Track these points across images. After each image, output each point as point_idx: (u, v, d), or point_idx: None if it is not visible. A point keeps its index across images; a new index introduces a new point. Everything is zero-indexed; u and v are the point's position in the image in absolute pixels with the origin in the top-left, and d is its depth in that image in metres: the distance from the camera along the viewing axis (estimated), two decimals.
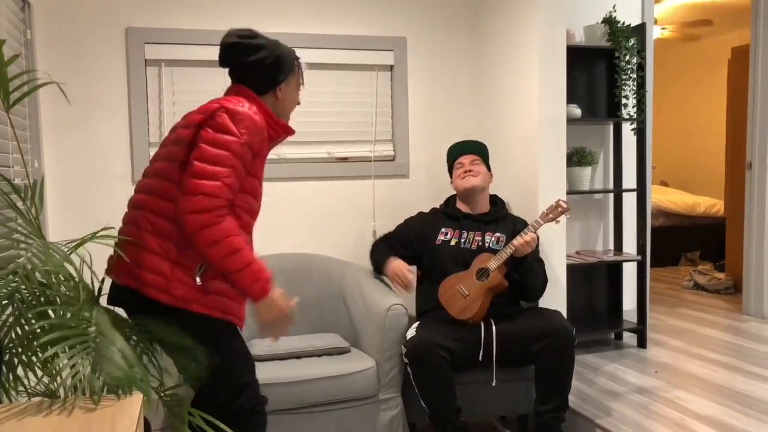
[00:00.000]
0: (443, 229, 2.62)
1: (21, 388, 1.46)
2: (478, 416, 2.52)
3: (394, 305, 2.41)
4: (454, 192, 2.73)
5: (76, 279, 1.55)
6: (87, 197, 2.78)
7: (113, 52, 2.79)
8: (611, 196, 3.56)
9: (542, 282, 2.52)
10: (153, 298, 1.67)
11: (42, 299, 1.51)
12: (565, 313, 2.78)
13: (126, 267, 1.69)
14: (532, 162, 2.80)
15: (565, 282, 2.83)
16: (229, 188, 1.64)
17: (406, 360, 2.30)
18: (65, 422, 1.28)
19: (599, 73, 3.43)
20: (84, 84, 2.76)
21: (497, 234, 2.58)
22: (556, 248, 2.80)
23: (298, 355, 2.47)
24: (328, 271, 2.85)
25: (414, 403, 2.36)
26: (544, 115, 2.75)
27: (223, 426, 1.66)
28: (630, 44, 3.26)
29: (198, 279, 1.69)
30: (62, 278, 1.53)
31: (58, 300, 1.52)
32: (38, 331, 1.48)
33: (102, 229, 1.75)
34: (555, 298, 2.78)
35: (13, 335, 1.49)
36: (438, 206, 2.77)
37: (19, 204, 1.73)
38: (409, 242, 2.65)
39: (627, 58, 3.27)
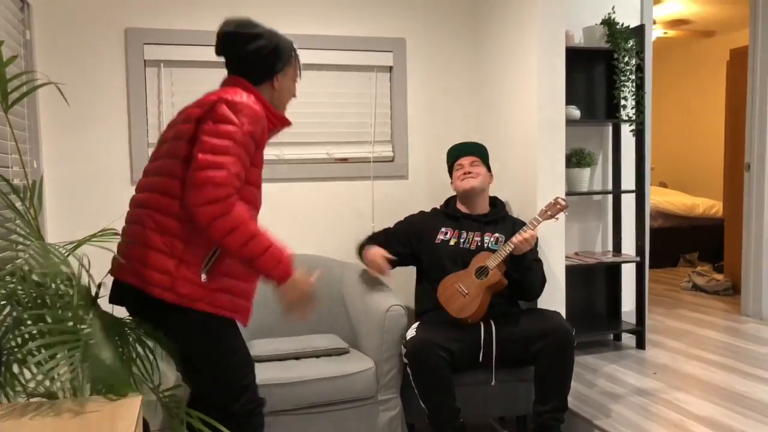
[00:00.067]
0: (443, 229, 2.62)
1: (20, 389, 1.46)
2: (477, 417, 2.52)
3: (393, 306, 2.41)
4: (455, 193, 2.73)
5: (72, 281, 1.55)
6: (86, 198, 2.78)
7: (112, 53, 2.79)
8: (610, 197, 3.56)
9: (541, 281, 2.52)
10: (158, 297, 1.65)
11: (38, 301, 1.50)
12: (564, 314, 2.78)
13: (130, 266, 1.68)
14: (532, 163, 2.80)
15: (564, 283, 2.83)
16: (236, 176, 1.62)
17: (405, 360, 2.30)
18: (64, 423, 1.28)
19: (598, 75, 3.43)
20: (83, 84, 2.76)
21: (496, 234, 2.58)
22: (555, 249, 2.80)
23: (297, 356, 2.46)
24: (327, 272, 2.84)
25: (413, 403, 2.36)
26: (543, 116, 2.75)
27: (221, 427, 1.65)
28: (629, 46, 3.26)
29: (204, 276, 1.68)
30: (58, 280, 1.53)
31: (52, 302, 1.52)
32: (34, 332, 1.48)
33: (101, 231, 1.75)
34: (554, 299, 2.78)
35: (11, 336, 1.49)
36: (438, 206, 2.77)
37: (18, 205, 1.72)
38: (407, 240, 2.65)
39: (626, 59, 3.27)
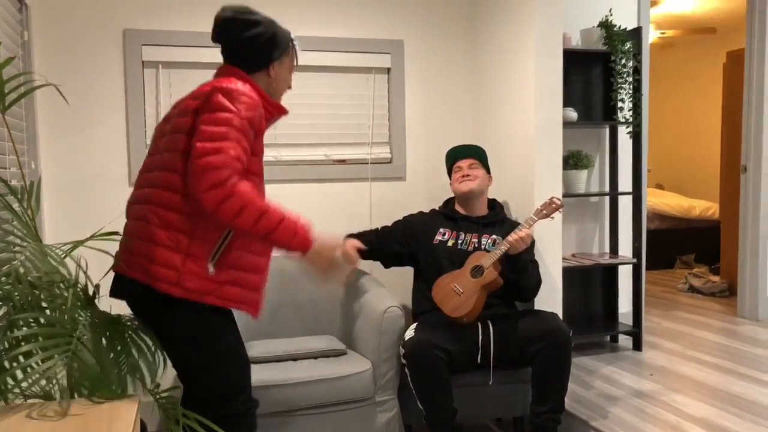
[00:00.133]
0: (441, 230, 2.63)
1: (17, 390, 1.46)
2: (475, 418, 2.53)
3: (390, 307, 2.42)
4: (453, 194, 2.74)
5: (66, 283, 1.55)
6: (84, 199, 2.78)
7: (110, 54, 2.79)
8: (607, 199, 3.57)
9: (536, 282, 2.52)
10: (165, 292, 1.63)
11: (32, 303, 1.50)
12: (561, 316, 2.78)
13: (135, 261, 1.66)
14: (529, 165, 2.80)
15: (560, 284, 2.84)
16: (236, 159, 1.59)
17: (404, 361, 2.30)
18: (62, 424, 1.28)
19: (595, 77, 3.44)
20: (81, 85, 2.76)
21: (494, 236, 2.59)
22: (552, 251, 2.81)
23: (294, 357, 2.46)
24: None
25: (410, 405, 2.36)
26: (540, 118, 2.76)
27: (217, 428, 1.65)
28: (626, 48, 3.27)
29: (211, 268, 1.66)
30: (52, 281, 1.52)
31: (45, 304, 1.52)
32: (25, 334, 1.47)
33: (99, 232, 1.75)
34: (551, 300, 2.78)
35: (4, 338, 1.48)
36: (437, 208, 2.77)
37: (15, 206, 1.72)
38: (405, 239, 2.66)
39: (623, 61, 3.28)
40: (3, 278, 1.46)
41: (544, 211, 2.43)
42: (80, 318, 1.56)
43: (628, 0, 3.60)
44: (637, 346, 3.39)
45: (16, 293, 1.47)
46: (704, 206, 6.19)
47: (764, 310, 4.01)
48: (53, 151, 2.73)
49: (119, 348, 1.62)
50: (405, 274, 2.76)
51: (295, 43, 1.90)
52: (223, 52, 1.84)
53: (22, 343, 1.45)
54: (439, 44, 3.27)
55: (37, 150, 2.64)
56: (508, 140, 2.98)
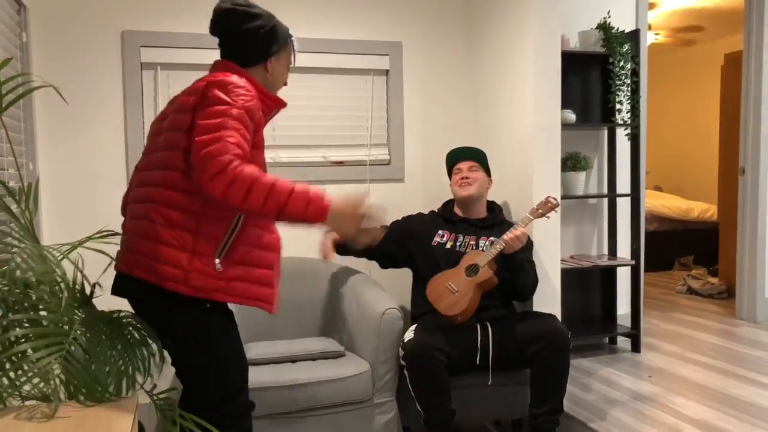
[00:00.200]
0: (440, 231, 2.63)
1: (15, 392, 1.45)
2: (473, 420, 2.52)
3: (389, 309, 2.41)
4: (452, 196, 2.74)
5: (62, 284, 1.54)
6: (82, 200, 2.77)
7: (109, 55, 2.79)
8: (605, 200, 3.58)
9: (533, 281, 2.51)
10: (172, 290, 1.62)
11: (25, 304, 1.50)
12: (559, 317, 2.78)
13: (140, 261, 1.65)
14: (527, 167, 2.80)
15: (559, 286, 2.84)
16: (235, 145, 1.56)
17: (403, 363, 2.30)
18: (60, 426, 1.27)
19: (594, 79, 3.45)
20: (79, 87, 2.76)
21: (492, 238, 2.58)
22: (550, 252, 2.81)
23: (292, 359, 2.46)
24: (322, 275, 2.85)
25: (409, 406, 2.36)
26: (538, 120, 2.76)
27: (214, 429, 1.65)
28: (624, 50, 3.28)
29: (218, 265, 1.65)
30: (47, 282, 1.52)
31: (40, 305, 1.51)
32: (19, 336, 1.47)
33: (97, 233, 1.75)
34: (549, 302, 2.78)
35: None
36: (436, 209, 2.77)
37: (13, 207, 1.72)
38: (403, 239, 2.65)
39: (621, 63, 3.29)
40: None
41: (540, 210, 2.43)
42: (76, 317, 1.56)
43: (626, 2, 3.61)
44: (636, 347, 3.39)
45: (9, 294, 1.46)
46: (703, 208, 6.19)
47: (762, 312, 4.02)
48: (51, 152, 2.73)
49: (117, 347, 1.61)
50: (403, 276, 2.76)
51: (293, 39, 1.89)
52: (220, 45, 1.82)
53: (15, 346, 1.45)
54: (438, 46, 3.28)
55: (35, 151, 2.64)
56: (506, 142, 2.98)
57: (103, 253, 1.82)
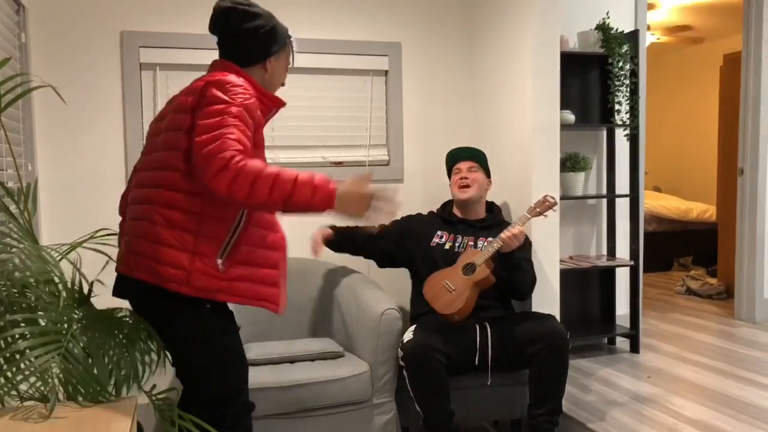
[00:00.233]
0: (439, 233, 2.63)
1: (14, 392, 1.45)
2: (472, 420, 2.52)
3: (387, 310, 2.41)
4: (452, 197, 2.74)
5: (59, 284, 1.54)
6: (81, 201, 2.77)
7: (108, 56, 2.79)
8: (604, 201, 3.58)
9: (531, 280, 2.51)
10: (174, 291, 1.62)
11: (23, 305, 1.50)
12: (558, 318, 2.78)
13: (141, 263, 1.64)
14: (526, 167, 2.81)
15: (558, 287, 2.84)
16: (236, 141, 1.54)
17: (402, 363, 2.30)
18: (59, 426, 1.27)
19: (593, 79, 3.45)
20: (78, 87, 2.76)
21: (490, 239, 2.58)
22: (549, 253, 2.81)
23: (291, 360, 2.46)
24: (321, 275, 2.85)
25: (408, 407, 2.36)
26: (538, 120, 2.76)
27: (213, 430, 1.64)
28: (623, 51, 3.28)
29: (220, 265, 1.65)
30: (44, 282, 1.52)
31: (38, 305, 1.51)
32: (12, 333, 1.47)
33: (95, 233, 1.75)
34: (548, 302, 2.78)
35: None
36: (435, 210, 2.77)
37: (12, 208, 1.72)
38: (401, 239, 2.66)
39: (620, 64, 3.29)
40: None
41: (538, 209, 2.43)
42: (75, 316, 1.55)
43: (625, 3, 3.61)
44: (635, 348, 3.39)
45: (8, 295, 1.46)
46: (701, 209, 6.20)
47: (761, 313, 4.02)
48: (50, 152, 2.73)
49: (115, 345, 1.61)
50: (402, 276, 2.76)
51: (292, 40, 1.89)
52: (219, 44, 1.81)
53: (12, 346, 1.45)
54: (437, 47, 3.28)
55: (34, 152, 2.63)
56: (505, 142, 2.98)
57: (102, 252, 1.82)
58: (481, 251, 2.41)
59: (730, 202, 4.51)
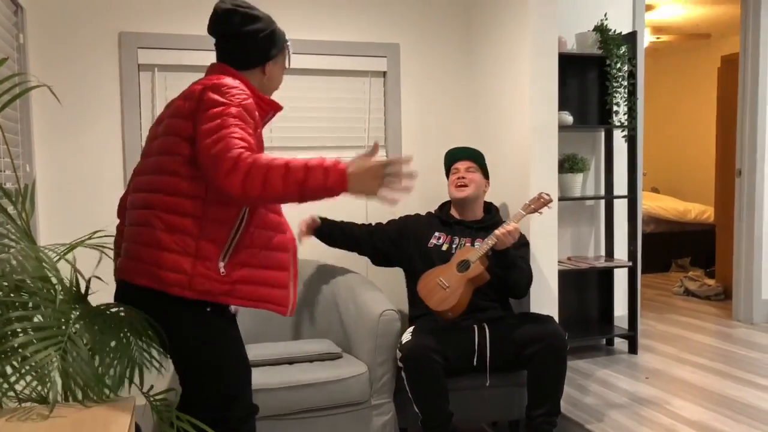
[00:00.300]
0: (436, 234, 2.63)
1: (11, 394, 1.45)
2: (471, 422, 2.52)
3: (386, 311, 2.41)
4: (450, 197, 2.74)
5: (56, 284, 1.54)
6: (79, 202, 2.77)
7: (106, 57, 2.79)
8: (602, 202, 3.58)
9: (527, 278, 2.50)
10: (177, 295, 1.61)
11: (18, 303, 1.49)
12: (556, 319, 2.78)
13: (141, 268, 1.63)
14: (524, 168, 2.81)
15: (556, 288, 2.84)
16: (240, 139, 1.54)
17: (400, 365, 2.30)
18: (57, 427, 1.27)
19: (591, 81, 3.45)
20: (77, 88, 2.75)
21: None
22: (547, 254, 2.81)
23: (290, 361, 2.46)
24: (320, 276, 2.84)
25: (406, 408, 2.36)
26: (536, 121, 2.76)
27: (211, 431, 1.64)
28: (621, 52, 3.29)
29: (222, 268, 1.64)
30: (40, 284, 1.51)
31: (31, 303, 1.51)
32: (5, 331, 1.46)
33: (93, 233, 1.75)
34: (546, 303, 2.79)
35: None
36: (433, 211, 2.78)
37: (10, 209, 1.72)
38: (399, 239, 2.65)
39: (618, 65, 3.30)
40: None
41: (533, 206, 2.43)
42: (72, 315, 1.55)
43: (623, 4, 3.62)
44: (633, 349, 3.39)
45: (5, 296, 1.46)
46: (699, 210, 6.21)
47: (759, 314, 4.03)
48: (48, 153, 2.72)
49: (114, 341, 1.60)
50: (401, 277, 2.76)
51: (288, 44, 1.89)
52: (217, 46, 1.80)
53: (10, 343, 1.44)
54: (435, 48, 3.28)
55: (32, 153, 2.63)
56: (503, 143, 2.99)
57: (101, 251, 1.82)
58: (476, 248, 2.40)
59: (728, 204, 4.52)
